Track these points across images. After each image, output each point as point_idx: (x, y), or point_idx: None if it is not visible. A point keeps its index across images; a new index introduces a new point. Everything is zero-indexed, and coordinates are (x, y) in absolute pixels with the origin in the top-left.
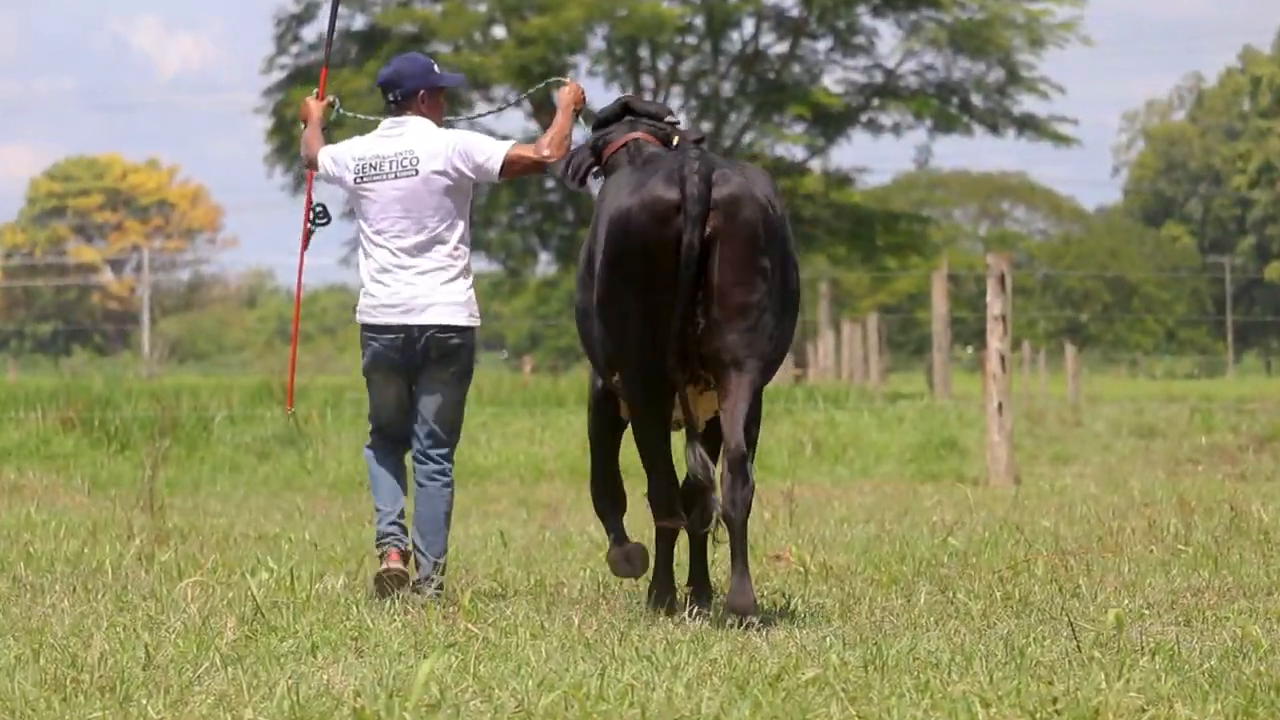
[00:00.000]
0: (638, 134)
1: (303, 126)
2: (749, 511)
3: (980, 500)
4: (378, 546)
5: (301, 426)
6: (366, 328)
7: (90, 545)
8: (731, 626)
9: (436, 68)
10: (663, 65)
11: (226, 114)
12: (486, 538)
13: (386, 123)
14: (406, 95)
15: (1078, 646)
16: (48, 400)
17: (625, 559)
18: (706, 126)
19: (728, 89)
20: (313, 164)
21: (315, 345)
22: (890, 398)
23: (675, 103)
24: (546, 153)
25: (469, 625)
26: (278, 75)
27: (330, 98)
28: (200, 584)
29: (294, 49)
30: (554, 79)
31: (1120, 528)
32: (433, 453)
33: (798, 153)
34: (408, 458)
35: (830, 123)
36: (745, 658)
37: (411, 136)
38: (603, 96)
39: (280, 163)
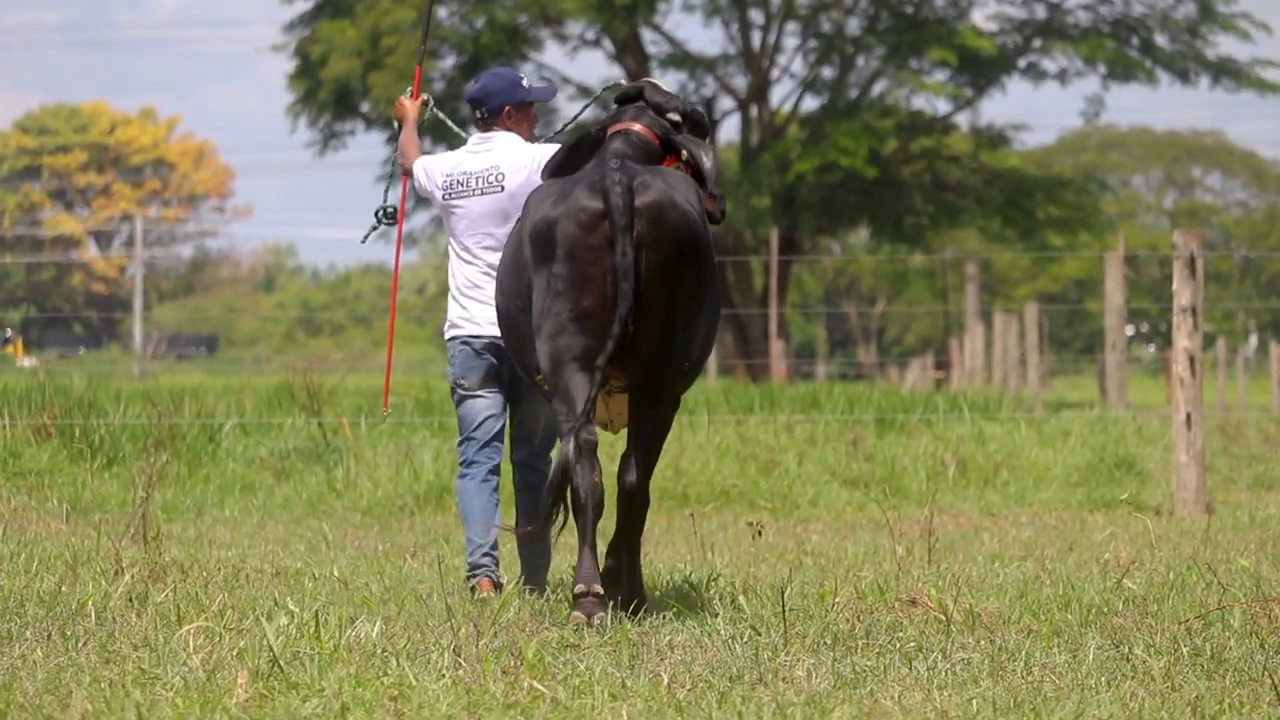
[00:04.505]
0: (636, 125)
1: (396, 126)
2: (641, 531)
3: (1163, 534)
4: (469, 578)
5: (329, 438)
6: (457, 339)
7: (70, 582)
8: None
9: (525, 81)
10: None
11: (238, 54)
12: (557, 574)
13: (474, 138)
14: (493, 111)
15: None
16: (17, 404)
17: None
18: (828, 73)
19: (855, 27)
20: (408, 172)
21: (346, 338)
22: (1053, 407)
23: (791, 42)
24: None
25: (534, 682)
26: (302, 6)
27: (424, 96)
28: (204, 630)
29: None
30: (613, 83)
31: None
32: (536, 462)
33: (940, 106)
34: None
35: (981, 69)
36: None
37: (498, 152)
38: (701, 35)
39: (304, 115)
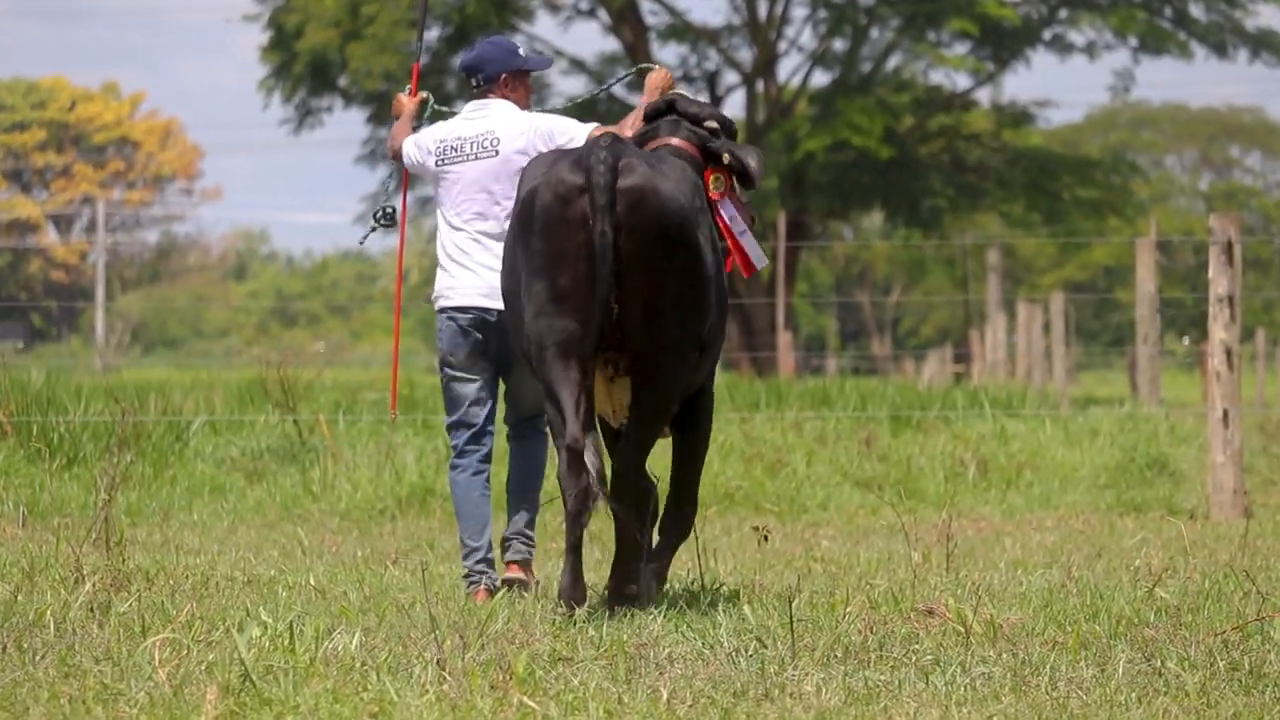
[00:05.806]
0: (674, 140)
1: (394, 120)
2: (637, 510)
3: (1198, 539)
4: (466, 584)
5: (305, 436)
6: (445, 310)
7: (27, 591)
8: (611, 616)
9: (521, 50)
10: None
11: (208, 25)
12: (548, 583)
13: (470, 105)
14: (489, 79)
15: None
16: None
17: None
18: (839, 46)
19: None
20: (398, 155)
21: (324, 328)
22: (1080, 403)
23: (800, 13)
24: (629, 134)
25: (523, 698)
26: None
27: (424, 94)
28: (171, 642)
29: None
30: (644, 65)
31: None
32: (524, 427)
33: (960, 81)
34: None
35: (1003, 41)
36: None
37: (494, 118)
38: (703, 5)
39: (278, 89)
